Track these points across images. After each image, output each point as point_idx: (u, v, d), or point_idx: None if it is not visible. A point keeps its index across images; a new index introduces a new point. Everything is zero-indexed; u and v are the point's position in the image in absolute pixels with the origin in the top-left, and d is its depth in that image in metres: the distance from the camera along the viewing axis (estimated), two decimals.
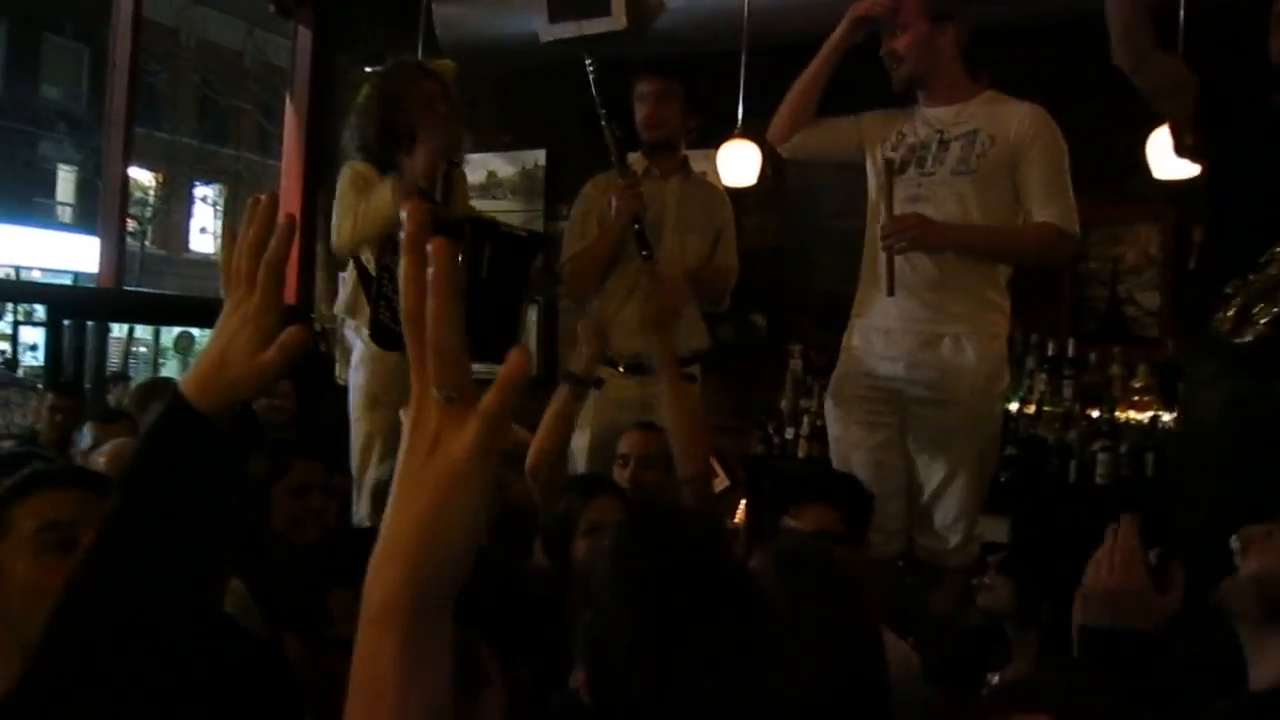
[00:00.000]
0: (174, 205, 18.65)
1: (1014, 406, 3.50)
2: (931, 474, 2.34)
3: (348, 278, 2.84)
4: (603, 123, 2.68)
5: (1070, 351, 3.47)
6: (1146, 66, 2.11)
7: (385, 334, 2.67)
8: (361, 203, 2.54)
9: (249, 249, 0.91)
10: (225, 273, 0.93)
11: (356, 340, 2.81)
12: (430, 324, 0.57)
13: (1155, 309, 3.54)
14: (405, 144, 2.66)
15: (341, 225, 2.60)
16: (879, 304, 2.38)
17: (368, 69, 4.84)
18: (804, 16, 3.50)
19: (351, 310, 2.79)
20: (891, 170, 2.33)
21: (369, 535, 0.59)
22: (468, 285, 2.29)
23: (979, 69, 2.41)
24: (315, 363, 4.82)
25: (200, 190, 19.50)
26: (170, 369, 15.19)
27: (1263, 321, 2.02)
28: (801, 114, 2.51)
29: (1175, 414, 2.83)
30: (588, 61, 2.67)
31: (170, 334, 15.67)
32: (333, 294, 4.98)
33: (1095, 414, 3.36)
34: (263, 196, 0.94)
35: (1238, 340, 2.04)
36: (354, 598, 0.58)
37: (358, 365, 2.77)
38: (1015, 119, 2.31)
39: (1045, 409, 3.44)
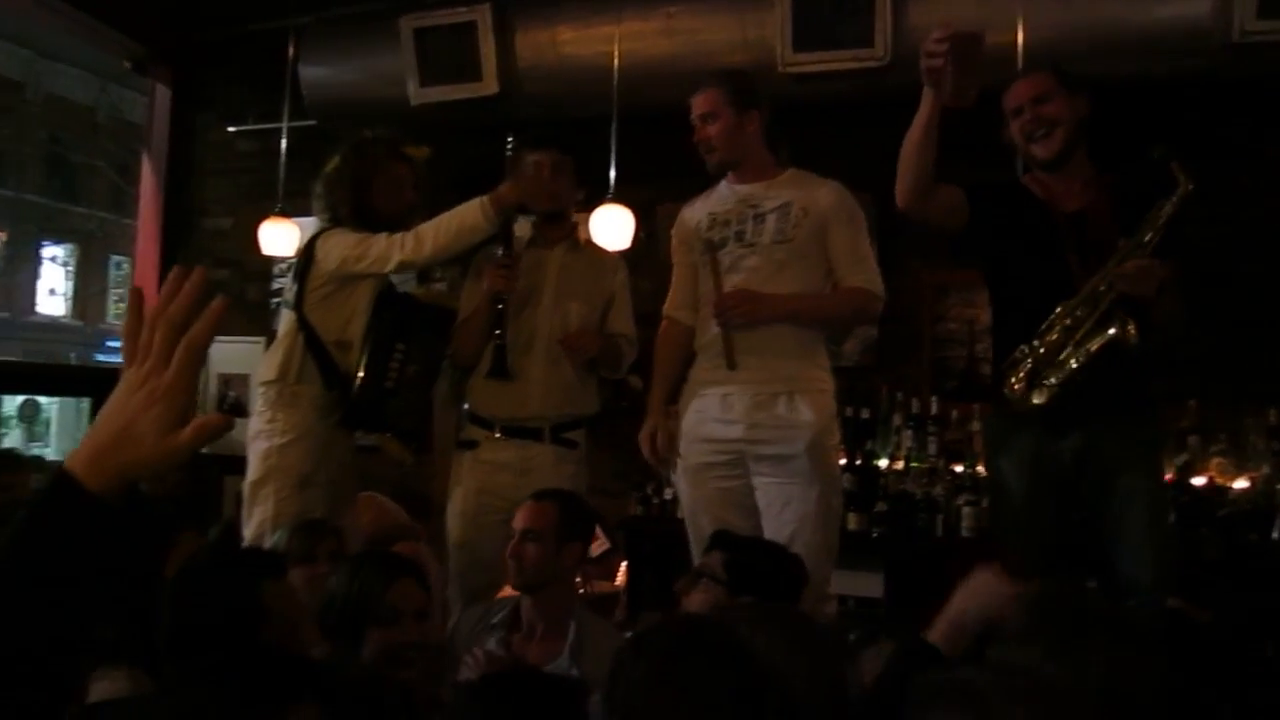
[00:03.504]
0: (19, 265, 17.54)
1: (883, 463, 3.61)
2: (778, 532, 2.38)
3: (284, 342, 2.64)
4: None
5: (933, 409, 3.61)
6: (928, 205, 2.32)
7: (361, 413, 2.59)
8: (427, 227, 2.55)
9: (169, 324, 0.85)
10: (129, 342, 0.85)
11: (280, 414, 2.59)
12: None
13: None
14: (373, 222, 2.61)
15: (411, 242, 2.54)
16: (713, 373, 2.47)
17: (231, 128, 4.73)
18: (672, 83, 3.60)
19: (298, 376, 2.59)
20: (713, 249, 2.45)
21: None
22: (430, 372, 2.21)
23: (779, 150, 2.57)
24: None
25: (49, 250, 18.43)
26: (12, 439, 14.13)
27: (1050, 384, 2.21)
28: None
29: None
30: (508, 139, 2.67)
31: (14, 402, 14.61)
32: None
33: (959, 469, 3.50)
34: (193, 271, 0.88)
35: (1031, 403, 2.24)
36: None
37: (286, 444, 2.56)
38: (823, 193, 2.47)
39: (912, 465, 3.56)
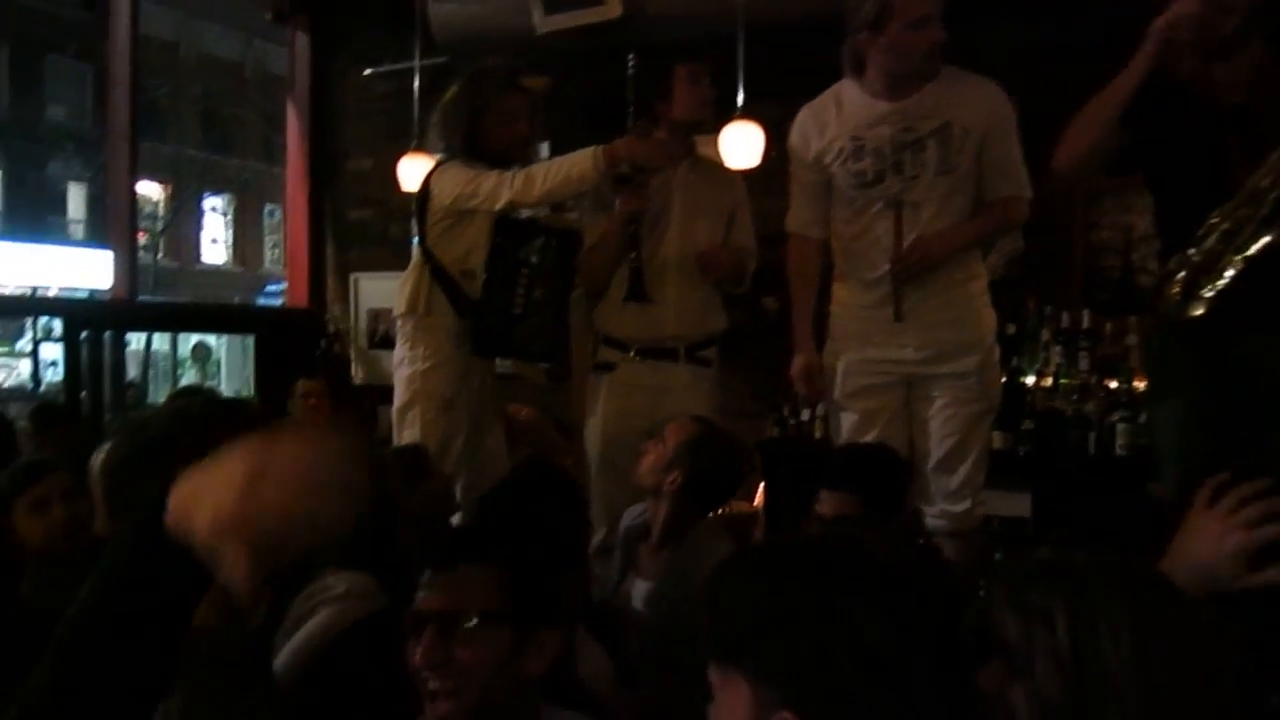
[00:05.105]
0: (183, 217, 18.78)
1: (1030, 380, 3.48)
2: (942, 441, 2.35)
3: (411, 275, 2.75)
4: (631, 120, 2.65)
5: (1085, 323, 3.44)
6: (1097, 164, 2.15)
7: (490, 340, 2.69)
8: (536, 170, 2.56)
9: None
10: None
11: (419, 342, 2.70)
12: None
13: None
14: (485, 153, 2.64)
15: (520, 183, 2.54)
16: (874, 309, 2.38)
17: (367, 71, 4.87)
18: None
19: (428, 308, 2.69)
20: (899, 206, 2.30)
21: None
22: (559, 295, 2.24)
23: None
24: (332, 362, 4.86)
25: (209, 201, 19.61)
26: (189, 378, 15.30)
27: (1208, 295, 2.04)
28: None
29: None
30: (630, 58, 2.66)
31: (187, 345, 15.79)
32: (344, 296, 5.01)
33: (1113, 385, 3.34)
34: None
35: (1189, 315, 2.07)
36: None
37: (428, 369, 2.68)
38: (983, 105, 2.29)
39: (1062, 381, 3.42)
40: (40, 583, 1.83)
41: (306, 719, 1.49)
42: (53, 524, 1.86)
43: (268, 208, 19.66)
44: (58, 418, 3.79)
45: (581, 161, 2.52)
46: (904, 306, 2.33)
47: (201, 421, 1.16)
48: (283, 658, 1.59)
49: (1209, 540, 1.09)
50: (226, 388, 13.71)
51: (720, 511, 3.43)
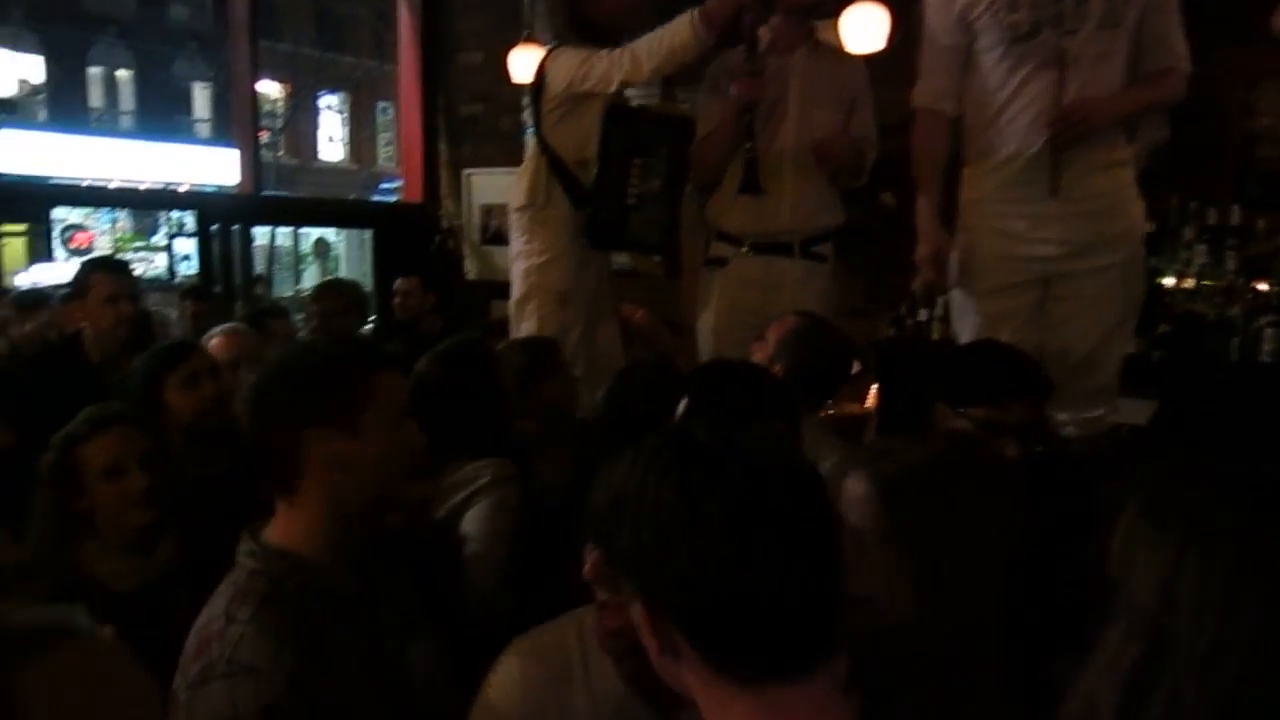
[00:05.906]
0: (301, 116, 19.19)
1: (1169, 281, 3.28)
2: (1081, 342, 2.24)
3: (529, 166, 2.75)
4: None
5: (1235, 219, 3.20)
6: None
7: (604, 231, 2.67)
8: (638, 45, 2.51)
9: None
10: None
11: (535, 236, 2.72)
12: None
13: None
14: (591, 32, 2.61)
15: (628, 63, 2.51)
16: (1016, 190, 2.22)
17: None
18: None
19: (546, 201, 2.70)
20: (1062, 65, 2.12)
21: None
22: (675, 184, 2.16)
23: None
24: (445, 258, 4.96)
25: (324, 99, 19.96)
26: (311, 273, 15.92)
27: None
28: None
29: None
30: None
31: (307, 242, 16.38)
32: (456, 192, 5.05)
33: (1263, 286, 3.11)
34: None
35: None
36: None
37: (545, 263, 2.71)
38: None
39: (1204, 283, 3.21)
40: (182, 454, 1.96)
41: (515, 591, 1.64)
42: (203, 399, 1.97)
43: (380, 105, 19.91)
44: (212, 293, 4.28)
45: (680, 30, 2.46)
46: (1060, 180, 2.16)
47: (328, 366, 1.19)
48: (476, 549, 1.68)
49: None
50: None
51: (830, 412, 3.40)
